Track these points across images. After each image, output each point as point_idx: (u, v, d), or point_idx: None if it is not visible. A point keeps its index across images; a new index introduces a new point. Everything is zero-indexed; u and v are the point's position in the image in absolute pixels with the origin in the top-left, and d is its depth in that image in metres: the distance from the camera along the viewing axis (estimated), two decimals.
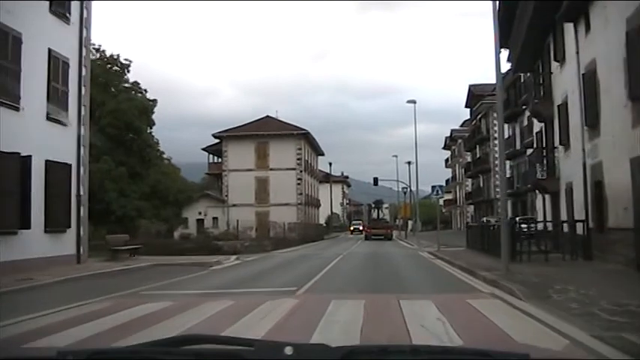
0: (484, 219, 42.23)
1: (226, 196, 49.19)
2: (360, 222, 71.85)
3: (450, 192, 71.84)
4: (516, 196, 41.82)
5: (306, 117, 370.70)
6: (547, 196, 21.85)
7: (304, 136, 51.27)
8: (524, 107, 30.86)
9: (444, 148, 79.93)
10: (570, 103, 16.84)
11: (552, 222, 19.42)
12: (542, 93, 20.42)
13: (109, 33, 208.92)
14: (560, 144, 18.39)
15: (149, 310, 8.39)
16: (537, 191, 22.99)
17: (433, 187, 26.95)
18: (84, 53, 17.63)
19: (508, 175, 46.88)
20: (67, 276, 13.58)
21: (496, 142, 51.39)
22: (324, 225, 64.94)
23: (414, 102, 34.84)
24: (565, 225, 17.00)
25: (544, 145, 21.38)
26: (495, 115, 50.34)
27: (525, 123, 32.43)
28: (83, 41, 17.64)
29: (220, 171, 51.26)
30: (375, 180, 50.66)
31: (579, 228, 15.55)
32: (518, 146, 39.30)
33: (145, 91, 41.22)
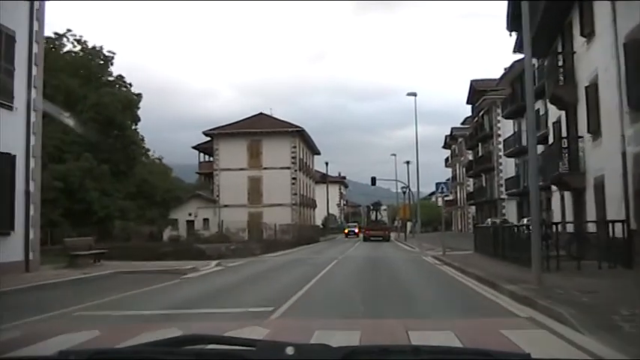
0: (488, 220, 39.95)
1: (217, 196, 46.97)
2: (356, 224, 69.92)
3: (451, 192, 69.52)
4: (522, 196, 39.56)
5: (304, 118, 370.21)
6: (567, 194, 19.45)
7: (299, 134, 48.87)
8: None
9: (444, 147, 77.65)
10: (602, 83, 14.40)
11: (574, 222, 16.98)
12: (562, 77, 18.05)
13: (109, 34, 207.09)
14: (589, 132, 15.92)
15: (63, 344, 6.04)
16: (557, 188, 20.50)
17: (437, 185, 24.57)
18: (35, 27, 15.13)
19: (514, 174, 44.67)
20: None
21: (500, 139, 49.06)
22: (321, 226, 62.82)
23: (414, 94, 33.55)
24: (593, 226, 14.59)
25: (564, 135, 18.96)
26: (499, 110, 48.09)
27: None
28: (35, 13, 15.15)
29: (211, 170, 49.12)
30: (373, 179, 48.85)
31: (613, 229, 13.06)
32: (524, 142, 36.93)
33: (130, 85, 39.01)
